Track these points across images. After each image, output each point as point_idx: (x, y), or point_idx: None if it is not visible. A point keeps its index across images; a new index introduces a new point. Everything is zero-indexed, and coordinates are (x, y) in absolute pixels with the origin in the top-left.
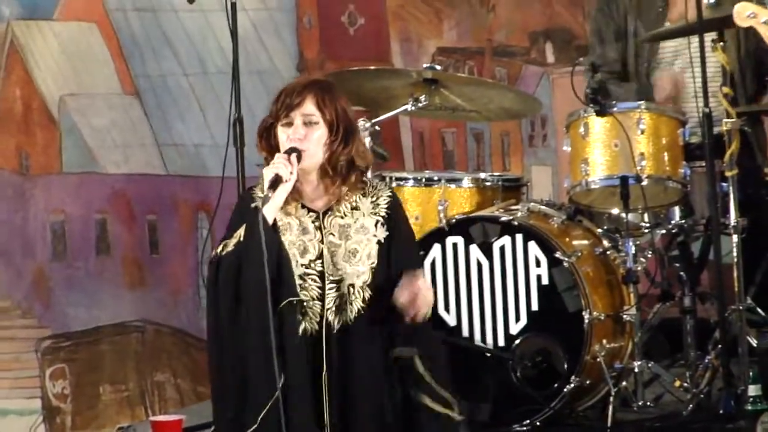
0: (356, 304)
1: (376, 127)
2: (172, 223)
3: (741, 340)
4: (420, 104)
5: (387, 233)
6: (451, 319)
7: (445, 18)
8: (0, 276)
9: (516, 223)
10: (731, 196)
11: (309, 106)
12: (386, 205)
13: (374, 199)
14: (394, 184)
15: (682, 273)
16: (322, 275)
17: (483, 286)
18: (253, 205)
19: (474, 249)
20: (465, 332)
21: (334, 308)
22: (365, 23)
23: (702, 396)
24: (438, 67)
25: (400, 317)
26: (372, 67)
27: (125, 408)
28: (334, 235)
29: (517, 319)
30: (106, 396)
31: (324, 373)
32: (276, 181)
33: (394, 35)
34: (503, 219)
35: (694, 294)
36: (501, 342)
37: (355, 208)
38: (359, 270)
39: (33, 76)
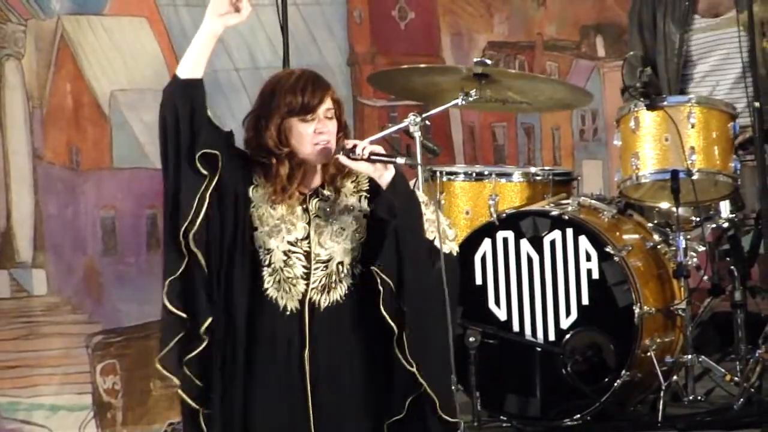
0: (346, 282)
1: (427, 122)
2: None
3: None
4: (470, 98)
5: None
6: (501, 314)
7: (495, 12)
8: (51, 271)
9: (566, 217)
10: None
11: (329, 101)
12: (367, 180)
13: (355, 178)
14: (444, 179)
15: (732, 267)
16: (308, 255)
17: (533, 280)
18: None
19: (524, 243)
20: (515, 327)
21: (319, 287)
22: (416, 17)
23: (752, 390)
24: (489, 62)
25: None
26: (422, 66)
27: (176, 403)
28: (319, 216)
29: (568, 313)
30: (156, 391)
31: (306, 351)
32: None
33: (445, 29)
34: (554, 213)
35: (744, 288)
36: (551, 337)
37: (337, 191)
38: (348, 247)
39: (83, 72)
